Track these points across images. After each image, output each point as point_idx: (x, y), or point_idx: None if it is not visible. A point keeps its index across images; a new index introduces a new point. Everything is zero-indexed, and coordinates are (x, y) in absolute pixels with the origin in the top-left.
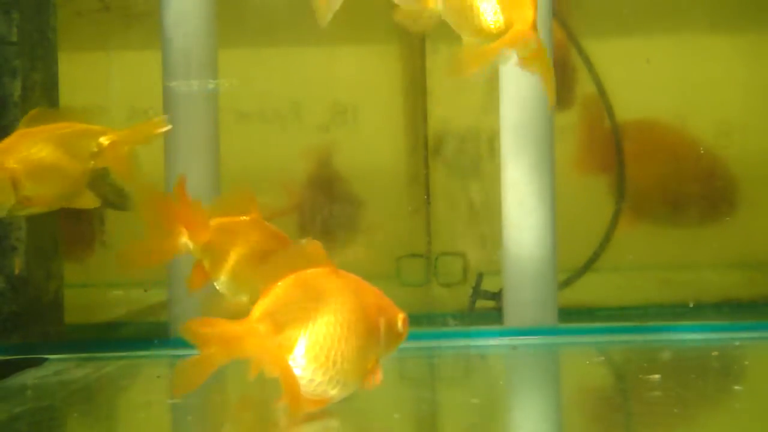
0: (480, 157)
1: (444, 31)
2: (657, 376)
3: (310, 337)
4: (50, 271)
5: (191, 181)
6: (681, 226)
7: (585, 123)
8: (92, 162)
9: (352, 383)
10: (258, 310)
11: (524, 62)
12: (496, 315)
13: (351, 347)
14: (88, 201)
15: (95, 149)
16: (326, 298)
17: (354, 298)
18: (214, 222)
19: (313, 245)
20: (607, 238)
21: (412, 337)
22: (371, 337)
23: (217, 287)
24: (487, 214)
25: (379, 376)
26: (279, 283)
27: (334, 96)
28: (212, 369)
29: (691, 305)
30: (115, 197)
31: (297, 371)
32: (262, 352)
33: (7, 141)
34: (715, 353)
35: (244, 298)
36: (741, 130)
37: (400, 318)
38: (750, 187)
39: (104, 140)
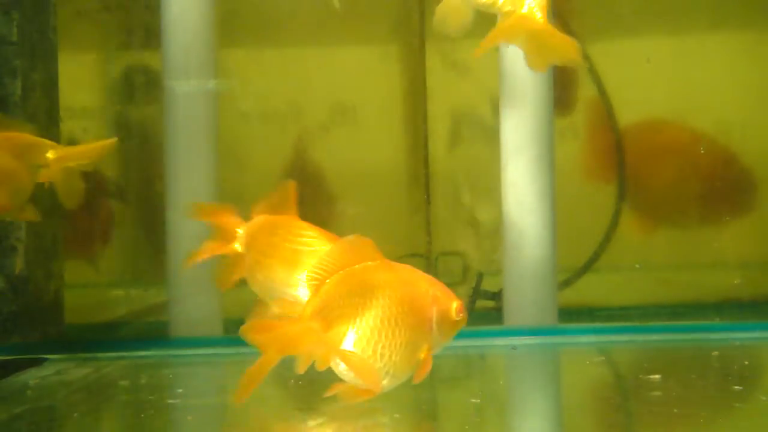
0: (480, 157)
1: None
2: (657, 376)
3: (357, 332)
4: (50, 271)
5: (191, 180)
6: (689, 226)
7: (590, 127)
8: (37, 175)
9: (401, 374)
10: (309, 307)
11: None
12: (496, 315)
13: (399, 340)
14: (30, 214)
15: (42, 163)
16: (374, 293)
17: (403, 291)
18: (258, 220)
19: (362, 241)
20: (607, 238)
21: None
22: (421, 328)
23: (254, 287)
24: (487, 214)
25: (428, 367)
26: (328, 280)
27: (334, 96)
28: (270, 367)
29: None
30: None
31: (344, 365)
32: (316, 348)
33: None
34: (715, 353)
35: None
36: (741, 129)
37: (454, 306)
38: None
39: (52, 155)
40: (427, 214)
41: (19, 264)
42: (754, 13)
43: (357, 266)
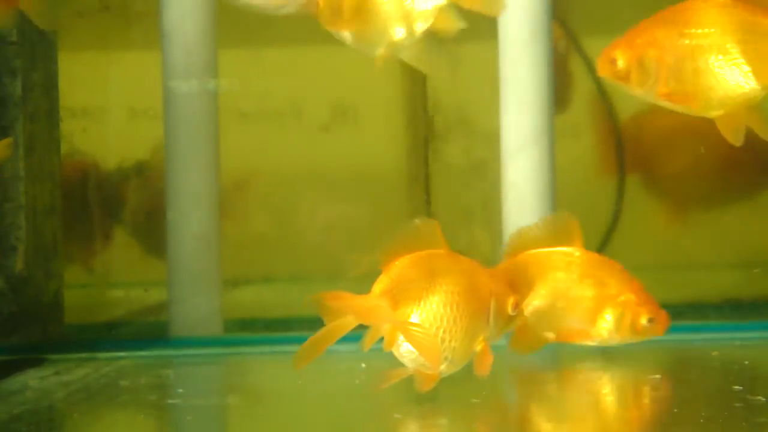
0: (480, 156)
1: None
2: (657, 376)
3: (421, 315)
4: (50, 271)
5: (191, 180)
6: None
7: (594, 122)
8: None
9: (459, 361)
10: (378, 286)
11: None
12: None
13: (460, 327)
14: None
15: None
16: (439, 279)
17: (466, 280)
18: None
19: (429, 225)
20: (607, 238)
21: None
22: (480, 318)
23: None
24: (487, 214)
25: (489, 359)
26: (396, 263)
27: (334, 96)
28: (335, 339)
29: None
30: None
31: (407, 346)
32: (386, 321)
33: None
34: (715, 353)
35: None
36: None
37: (511, 302)
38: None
39: None
40: (427, 214)
41: (19, 263)
42: None
43: (424, 252)
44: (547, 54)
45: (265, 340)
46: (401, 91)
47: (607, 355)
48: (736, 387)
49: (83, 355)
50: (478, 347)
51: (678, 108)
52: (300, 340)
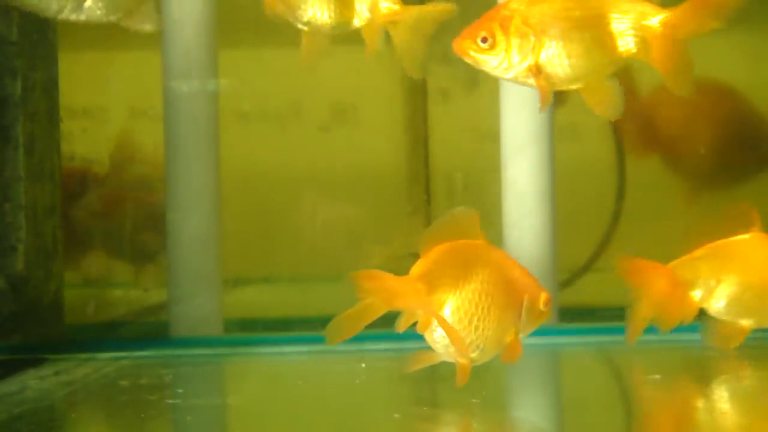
0: (480, 156)
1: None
2: (657, 376)
3: (456, 302)
4: (50, 271)
5: (191, 180)
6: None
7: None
8: None
9: (490, 351)
10: (416, 270)
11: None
12: None
13: (493, 317)
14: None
15: None
16: (475, 268)
17: (500, 272)
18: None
19: (467, 214)
20: (607, 238)
21: (413, 337)
22: (512, 310)
23: None
24: (486, 213)
25: (519, 351)
26: (434, 249)
27: (334, 96)
28: (369, 319)
29: None
30: None
31: (440, 332)
32: (419, 306)
33: None
34: (714, 353)
35: None
36: None
37: (543, 297)
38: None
39: None
40: (427, 214)
41: (19, 264)
42: (753, 14)
43: (463, 241)
44: None
45: (265, 340)
46: (401, 91)
47: (606, 354)
48: (736, 387)
49: (83, 355)
50: (509, 338)
51: (542, 83)
52: (300, 340)
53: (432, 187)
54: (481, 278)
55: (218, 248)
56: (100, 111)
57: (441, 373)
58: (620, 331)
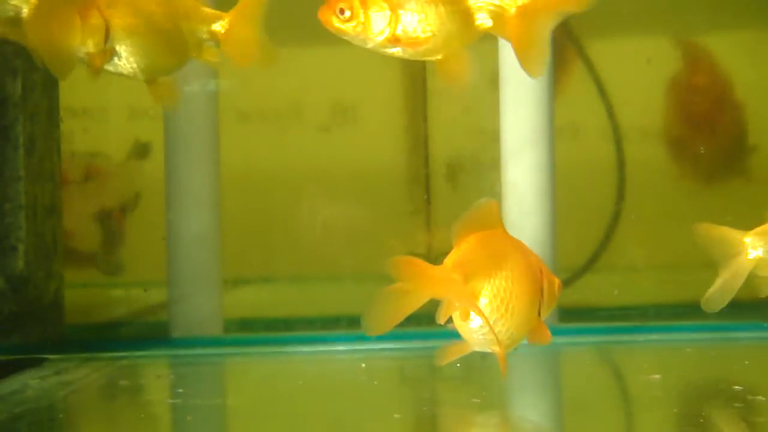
0: (480, 156)
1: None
2: (657, 376)
3: (491, 290)
4: (50, 271)
5: (191, 180)
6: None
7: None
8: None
9: (519, 337)
10: (450, 260)
11: None
12: None
13: (522, 303)
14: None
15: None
16: (504, 256)
17: (525, 259)
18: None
19: (490, 205)
20: (607, 238)
21: (413, 337)
22: (536, 296)
23: None
24: None
25: (548, 333)
26: (465, 240)
27: (335, 96)
28: (408, 310)
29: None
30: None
31: (478, 321)
32: (459, 296)
33: None
34: (714, 353)
35: None
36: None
37: (557, 282)
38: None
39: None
40: (427, 214)
41: (19, 264)
42: (753, 14)
43: (489, 231)
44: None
45: (265, 340)
46: (401, 91)
47: (606, 354)
48: (736, 387)
49: (83, 355)
50: (533, 323)
51: (406, 53)
52: (300, 340)
53: (432, 187)
54: (511, 265)
55: (218, 248)
56: (100, 111)
57: (441, 373)
58: (620, 331)
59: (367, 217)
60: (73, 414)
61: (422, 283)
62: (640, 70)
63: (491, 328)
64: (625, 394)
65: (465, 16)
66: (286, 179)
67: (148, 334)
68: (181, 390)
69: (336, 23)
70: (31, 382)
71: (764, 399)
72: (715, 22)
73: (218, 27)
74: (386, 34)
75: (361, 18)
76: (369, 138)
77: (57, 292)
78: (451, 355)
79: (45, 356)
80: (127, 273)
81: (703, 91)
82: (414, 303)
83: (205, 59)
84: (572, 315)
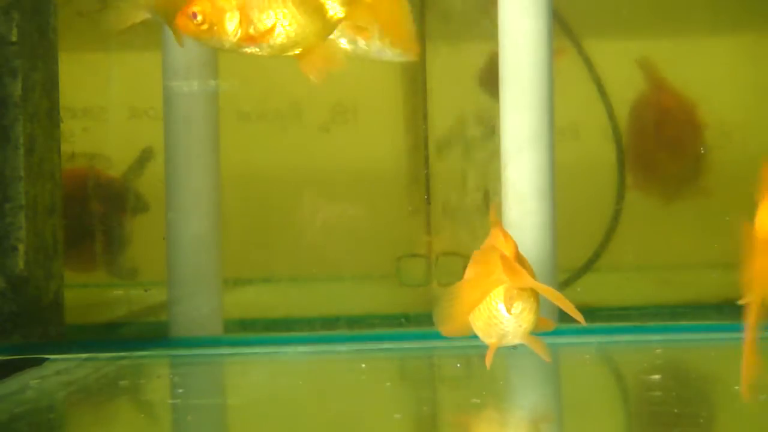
0: (480, 156)
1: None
2: (657, 376)
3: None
4: (50, 271)
5: (191, 180)
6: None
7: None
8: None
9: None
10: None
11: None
12: None
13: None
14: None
15: None
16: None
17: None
18: None
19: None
20: (607, 238)
21: (413, 337)
22: None
23: None
24: (486, 213)
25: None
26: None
27: (335, 96)
28: (477, 302)
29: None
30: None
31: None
32: (528, 286)
33: None
34: (714, 353)
35: None
36: (741, 130)
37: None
38: (750, 188)
39: None
40: (427, 215)
41: (19, 264)
42: (754, 14)
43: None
44: (547, 54)
45: (265, 340)
46: (401, 91)
47: (606, 354)
48: (736, 387)
49: (83, 355)
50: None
51: (264, 51)
52: (300, 340)
53: (432, 187)
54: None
55: (218, 248)
56: (100, 111)
57: (441, 373)
58: (620, 331)
59: (367, 217)
60: (74, 414)
61: (517, 275)
62: (640, 70)
63: (568, 306)
64: (625, 394)
65: (316, 9)
66: (286, 179)
67: (148, 334)
68: (181, 390)
69: (192, 28)
70: (31, 382)
71: (764, 399)
72: (716, 23)
73: None
74: (239, 33)
75: (214, 20)
76: (369, 138)
77: (57, 292)
78: (491, 354)
79: (45, 356)
80: (140, 275)
81: (668, 112)
82: (484, 295)
83: (353, 24)
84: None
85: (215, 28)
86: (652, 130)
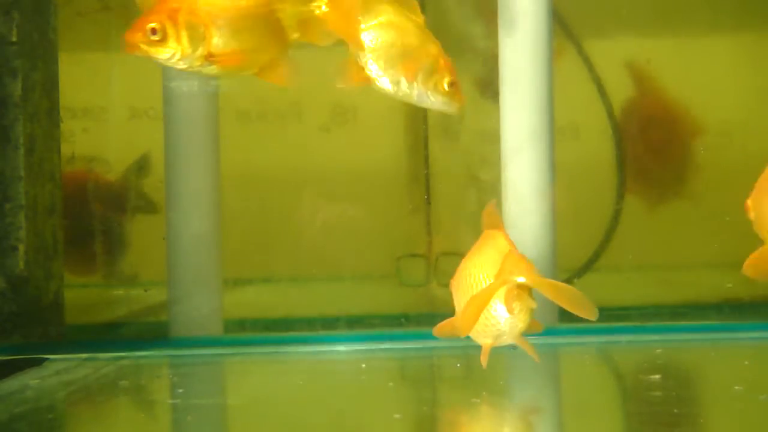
0: (480, 156)
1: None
2: (657, 376)
3: None
4: (50, 271)
5: (191, 180)
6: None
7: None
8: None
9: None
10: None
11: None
12: None
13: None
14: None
15: None
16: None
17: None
18: None
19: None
20: (607, 238)
21: (413, 337)
22: None
23: None
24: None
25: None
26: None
27: (335, 96)
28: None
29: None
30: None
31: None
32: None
33: None
34: (714, 353)
35: None
36: (741, 130)
37: None
38: (750, 188)
39: None
40: (427, 214)
41: (19, 264)
42: (753, 14)
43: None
44: (547, 54)
45: (265, 340)
46: None
47: (606, 354)
48: (737, 387)
49: (83, 355)
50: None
51: (225, 69)
52: (300, 340)
53: (432, 187)
54: None
55: (218, 248)
56: (100, 111)
57: (441, 373)
58: (620, 331)
59: (367, 217)
60: (73, 414)
61: (530, 274)
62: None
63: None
64: (625, 394)
65: (276, 28)
66: (286, 179)
67: (148, 334)
68: (181, 390)
69: (144, 46)
70: (31, 382)
71: (764, 399)
72: (716, 23)
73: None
74: (200, 51)
75: (174, 37)
76: (369, 138)
77: (57, 292)
78: (526, 347)
79: (45, 356)
80: (140, 275)
81: (656, 117)
82: (492, 294)
83: (310, 40)
84: (572, 315)
85: (174, 45)
86: (641, 134)
